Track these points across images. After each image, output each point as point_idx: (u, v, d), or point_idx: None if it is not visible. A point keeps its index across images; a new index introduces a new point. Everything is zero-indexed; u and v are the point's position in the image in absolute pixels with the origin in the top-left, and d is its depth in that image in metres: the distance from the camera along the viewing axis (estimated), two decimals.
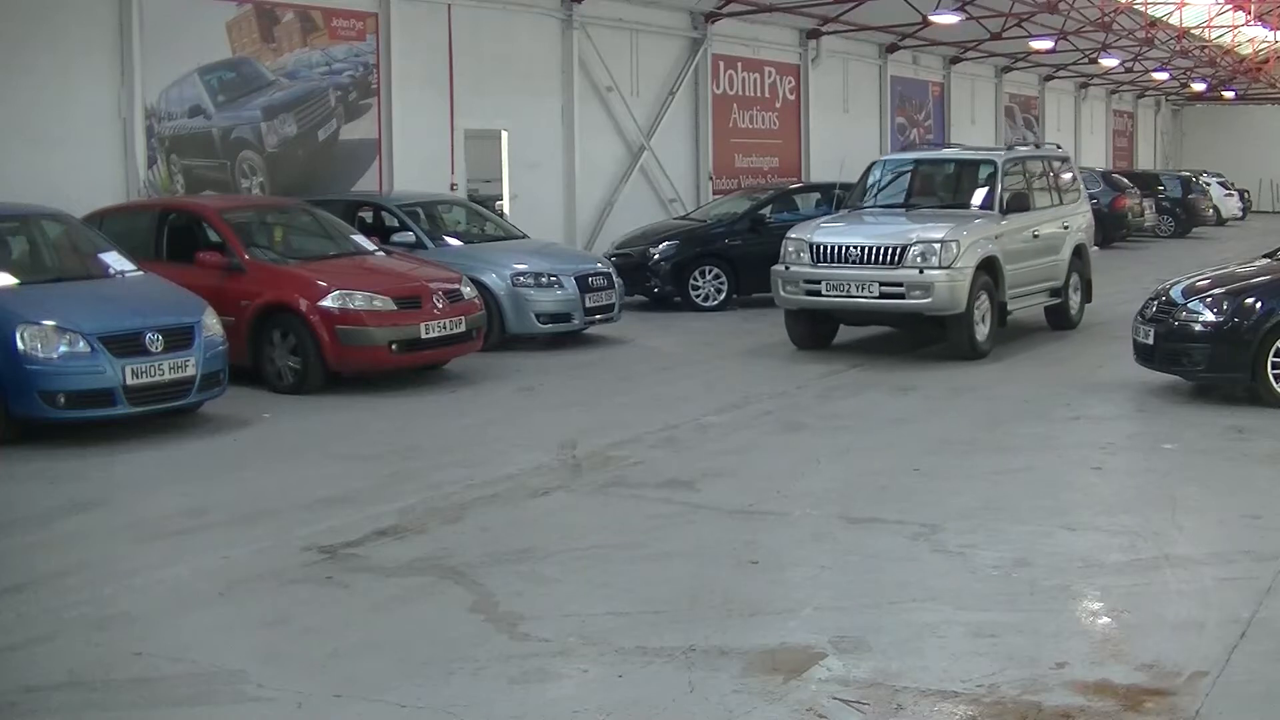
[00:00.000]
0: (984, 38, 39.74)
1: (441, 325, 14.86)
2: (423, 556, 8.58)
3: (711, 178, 31.01)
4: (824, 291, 16.62)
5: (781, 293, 17.13)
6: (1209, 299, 13.30)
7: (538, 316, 17.67)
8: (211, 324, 12.81)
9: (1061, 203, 19.69)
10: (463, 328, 15.13)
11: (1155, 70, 52.88)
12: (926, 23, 34.07)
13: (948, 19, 33.57)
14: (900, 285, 16.12)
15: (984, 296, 16.59)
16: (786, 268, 17.02)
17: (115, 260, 13.71)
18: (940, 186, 19.33)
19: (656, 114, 29.69)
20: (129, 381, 11.90)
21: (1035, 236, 18.21)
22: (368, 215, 19.49)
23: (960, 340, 16.50)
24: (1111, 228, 36.95)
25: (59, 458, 11.44)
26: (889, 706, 6.17)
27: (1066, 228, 19.42)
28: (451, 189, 23.66)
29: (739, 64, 32.81)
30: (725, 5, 30.78)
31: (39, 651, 7.14)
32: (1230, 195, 51.81)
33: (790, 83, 35.14)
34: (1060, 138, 48.84)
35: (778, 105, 34.49)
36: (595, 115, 27.93)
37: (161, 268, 14.27)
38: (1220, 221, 48.30)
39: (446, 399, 14.47)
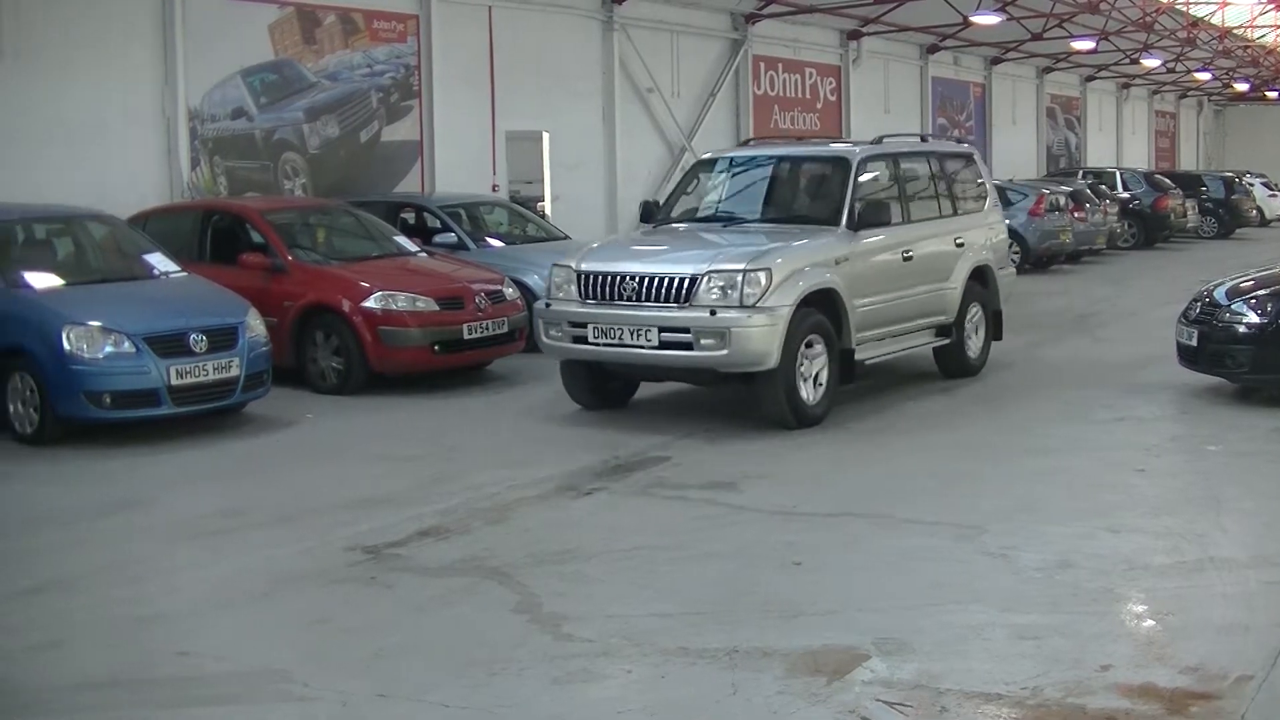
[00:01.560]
0: (1025, 38, 39.71)
1: (484, 326, 14.91)
2: (465, 557, 8.61)
3: None
4: (591, 338, 12.57)
5: (544, 337, 13.03)
6: (1253, 300, 13.23)
7: None
8: (255, 325, 12.86)
9: (956, 212, 15.54)
10: (505, 328, 15.16)
11: (1197, 70, 52.68)
12: (967, 23, 34.04)
13: (989, 19, 33.52)
14: (686, 331, 12.07)
15: (816, 344, 12.59)
16: (548, 305, 13.09)
17: (159, 261, 13.78)
18: (778, 194, 14.82)
19: (697, 115, 29.71)
20: (173, 382, 11.96)
21: (908, 258, 14.16)
22: (410, 216, 19.54)
23: (774, 404, 12.33)
24: (1154, 229, 36.86)
25: (103, 457, 11.51)
26: (933, 709, 6.15)
27: (961, 245, 15.21)
28: (493, 190, 23.72)
29: (779, 65, 32.82)
30: (765, 6, 30.78)
31: (81, 649, 7.21)
32: (1274, 196, 51.38)
33: (831, 84, 35.14)
34: (1102, 139, 48.85)
35: (818, 106, 34.49)
36: (636, 116, 27.98)
37: (205, 269, 14.37)
38: (1264, 222, 47.89)
39: (489, 399, 14.50)
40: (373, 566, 8.45)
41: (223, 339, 12.44)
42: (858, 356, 13.19)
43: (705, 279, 12.11)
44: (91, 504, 10.21)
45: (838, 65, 35.46)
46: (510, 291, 15.62)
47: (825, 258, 12.90)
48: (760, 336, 11.94)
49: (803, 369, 12.41)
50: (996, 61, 43.96)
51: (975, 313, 15.43)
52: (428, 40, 23.16)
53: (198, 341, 12.20)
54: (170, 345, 12.08)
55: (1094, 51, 41.83)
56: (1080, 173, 40.00)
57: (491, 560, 8.50)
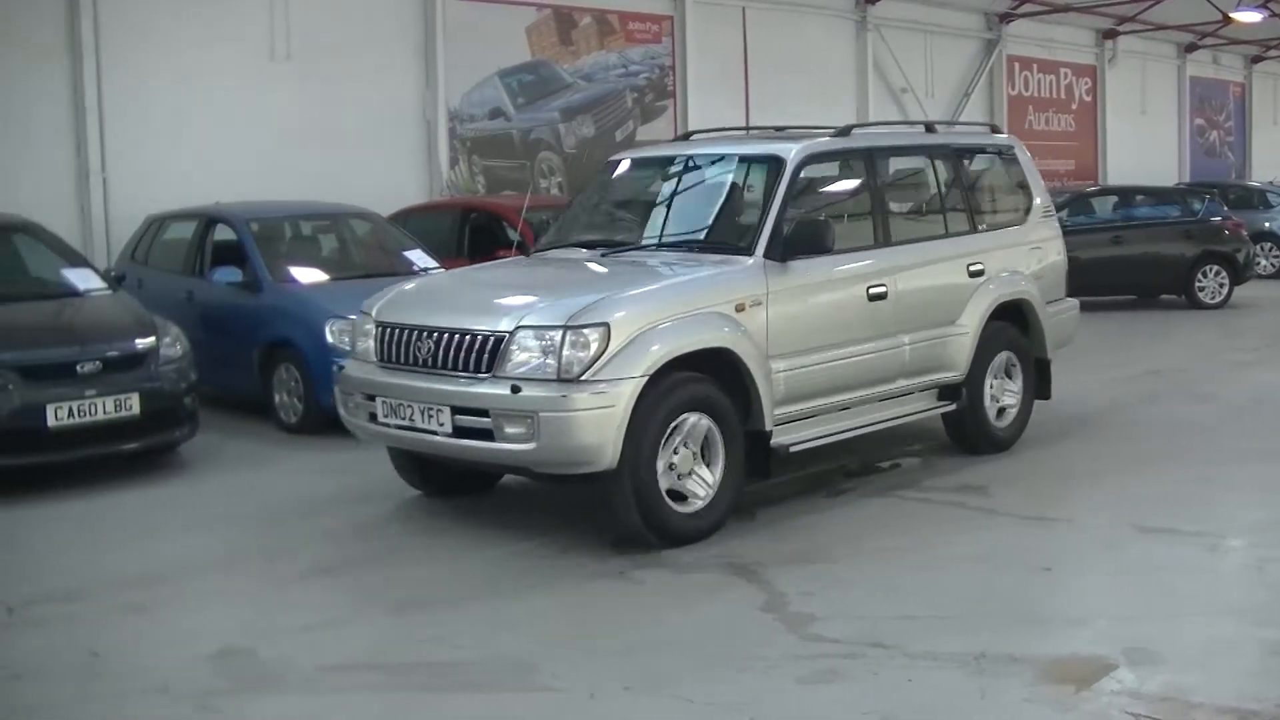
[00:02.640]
0: None
1: None
2: (715, 555, 8.68)
3: None
4: (381, 416, 9.35)
5: (342, 409, 9.92)
6: None
7: None
8: None
9: (974, 228, 11.62)
10: None
11: None
12: (1227, 21, 33.20)
13: (1250, 17, 32.65)
14: (484, 414, 8.68)
15: (702, 425, 8.99)
16: (340, 367, 10.10)
17: (419, 258, 14.12)
18: (686, 209, 10.85)
19: (951, 116, 29.48)
20: None
21: (878, 295, 10.37)
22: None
23: (622, 515, 8.82)
24: None
25: (364, 447, 11.82)
26: None
27: (979, 273, 11.33)
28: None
29: (1034, 65, 32.43)
30: (1020, 5, 30.43)
31: (341, 632, 7.45)
32: None
33: (1086, 84, 34.61)
34: None
35: (1073, 107, 34.01)
36: (890, 117, 27.82)
37: (463, 265, 14.64)
38: None
39: None
40: (624, 562, 8.59)
41: None
42: (779, 441, 9.55)
43: (514, 339, 8.66)
44: (346, 492, 10.59)
45: (1093, 65, 34.89)
46: None
47: (717, 302, 9.24)
48: (586, 424, 8.41)
49: (676, 462, 8.92)
50: (1257, 60, 42.72)
51: (1004, 364, 11.65)
52: (682, 41, 23.37)
53: None
54: None
55: None
56: None
57: (741, 558, 8.56)
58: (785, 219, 9.84)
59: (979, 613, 7.50)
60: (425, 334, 9.09)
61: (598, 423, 8.42)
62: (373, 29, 19.42)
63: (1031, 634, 7.14)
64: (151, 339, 11.41)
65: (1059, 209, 23.10)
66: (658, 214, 11.09)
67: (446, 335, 8.96)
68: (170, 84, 17.80)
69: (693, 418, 8.90)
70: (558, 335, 8.53)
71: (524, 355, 8.61)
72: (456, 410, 8.75)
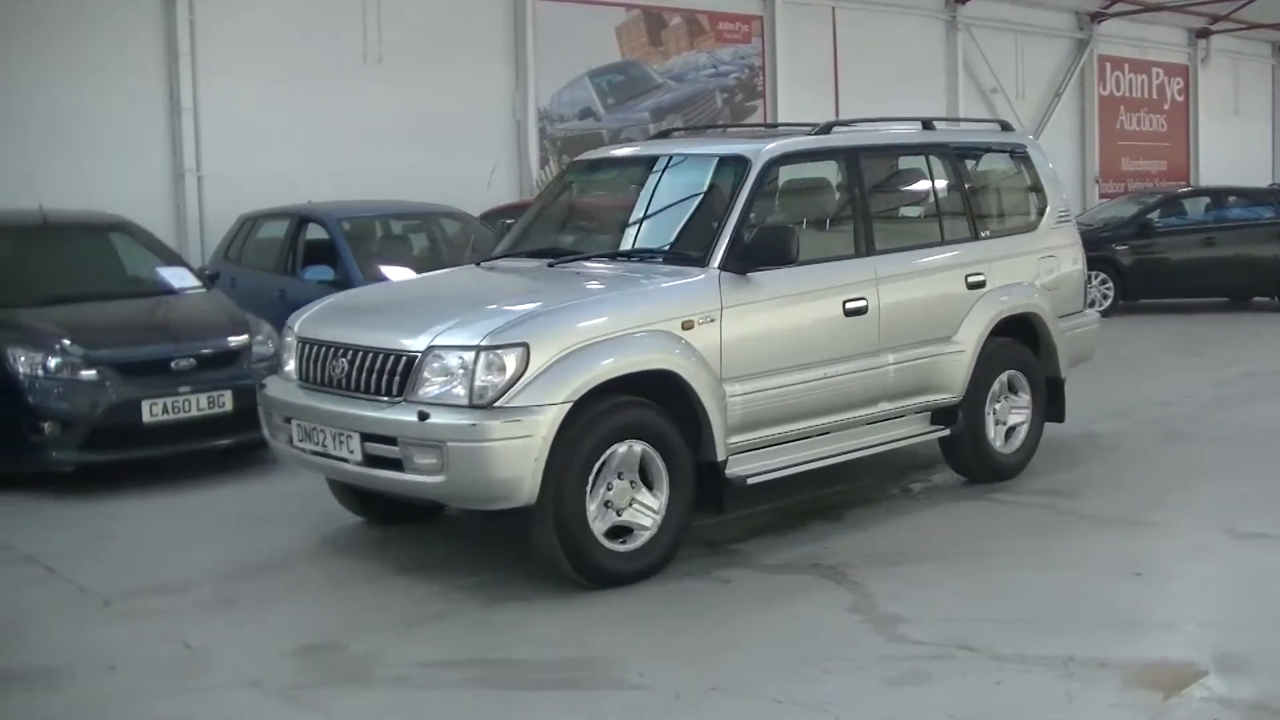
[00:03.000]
0: None
1: None
2: (802, 555, 8.69)
3: (1098, 181, 30.46)
4: (296, 440, 8.65)
5: (265, 429, 9.20)
6: None
7: None
8: None
9: (976, 235, 10.60)
10: None
11: None
12: None
13: None
14: (393, 442, 7.90)
15: (636, 453, 8.13)
16: (263, 386, 9.30)
17: None
18: (644, 215, 9.91)
19: (1042, 116, 29.33)
20: None
21: (856, 311, 9.41)
22: None
23: (546, 555, 8.04)
24: None
25: None
26: None
27: (979, 284, 10.37)
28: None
29: (1125, 65, 32.19)
30: (1111, 5, 30.21)
31: (432, 629, 7.51)
32: None
33: (1179, 84, 34.30)
34: None
35: (1165, 108, 33.70)
36: (980, 117, 27.71)
37: None
38: None
39: None
40: (711, 561, 8.61)
41: None
42: (735, 472, 8.68)
43: (426, 359, 7.89)
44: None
45: (1185, 65, 34.58)
46: None
47: (659, 319, 8.33)
48: (499, 456, 7.62)
49: (610, 497, 8.07)
50: None
51: (1005, 385, 10.64)
52: (772, 41, 23.39)
53: None
54: None
55: None
56: None
57: (828, 559, 8.57)
58: (748, 227, 8.96)
59: (1068, 616, 7.45)
60: (340, 352, 8.38)
61: (512, 454, 7.63)
62: (463, 31, 19.57)
63: (1120, 639, 7.10)
64: (244, 337, 11.56)
65: (1150, 210, 23.08)
66: (614, 221, 10.38)
67: (359, 354, 8.24)
68: (264, 86, 18.01)
69: (622, 448, 8.05)
70: (470, 356, 7.74)
71: (436, 378, 7.84)
72: (366, 437, 8.02)
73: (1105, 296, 22.28)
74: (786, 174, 9.76)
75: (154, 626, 7.65)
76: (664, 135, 11.54)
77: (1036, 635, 7.11)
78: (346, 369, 8.26)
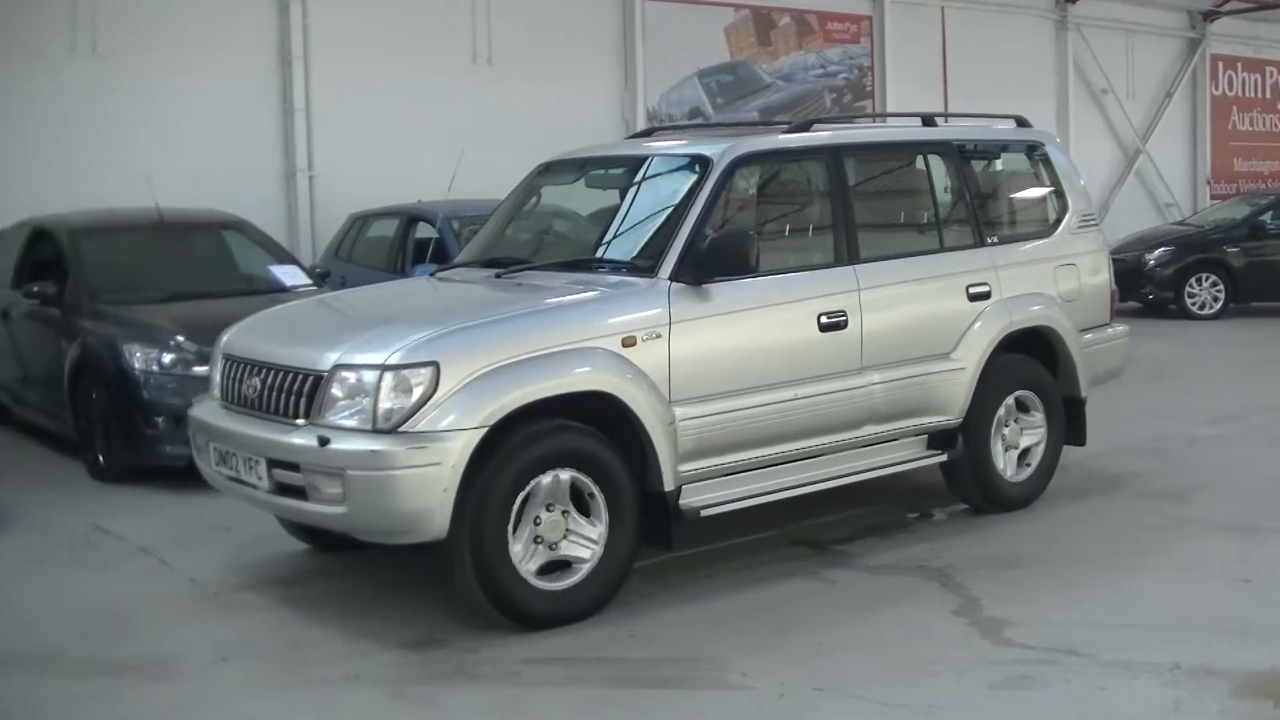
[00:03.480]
0: None
1: None
2: (908, 556, 8.68)
3: (1209, 182, 30.10)
4: (213, 463, 8.07)
5: (194, 450, 8.54)
6: None
7: None
8: None
9: (982, 241, 9.67)
10: None
11: None
12: None
13: None
14: (297, 469, 7.31)
15: (565, 482, 7.38)
16: (190, 405, 8.76)
17: None
18: (607, 220, 9.19)
19: (1153, 117, 29.02)
20: None
21: (833, 325, 8.55)
22: None
23: (466, 596, 7.40)
24: None
25: None
26: None
27: (983, 295, 9.45)
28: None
29: (1239, 64, 31.74)
30: (1224, 4, 29.82)
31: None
32: None
33: None
34: None
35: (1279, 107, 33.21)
36: (1090, 118, 27.54)
37: None
38: None
39: None
40: (817, 561, 8.63)
41: None
42: (689, 502, 7.92)
43: (333, 379, 7.24)
44: None
45: None
46: None
47: (595, 335, 7.59)
48: (403, 486, 6.97)
49: (541, 532, 7.37)
50: None
51: (1011, 406, 9.72)
52: (881, 41, 23.33)
53: None
54: None
55: None
56: None
57: (934, 561, 8.56)
58: (705, 233, 8.11)
59: (1175, 623, 7.40)
60: (254, 369, 7.79)
61: (418, 484, 6.96)
62: (572, 31, 19.67)
63: (1229, 646, 7.02)
64: None
65: (1263, 211, 22.78)
66: (571, 226, 10.15)
67: (270, 372, 7.64)
68: (374, 87, 18.19)
69: (547, 479, 7.31)
70: (374, 376, 7.08)
71: (341, 399, 7.18)
72: (272, 463, 7.42)
73: (1216, 299, 22.05)
74: (757, 175, 9.03)
75: (262, 619, 7.80)
76: (646, 133, 10.52)
77: (1143, 641, 7.06)
78: (259, 388, 7.68)
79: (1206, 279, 22.10)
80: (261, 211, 15.57)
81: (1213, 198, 29.19)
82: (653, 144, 9.69)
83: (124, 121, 16.40)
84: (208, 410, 8.21)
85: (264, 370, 7.67)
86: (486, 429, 7.04)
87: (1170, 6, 29.31)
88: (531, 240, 9.91)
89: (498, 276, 8.62)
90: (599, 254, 8.58)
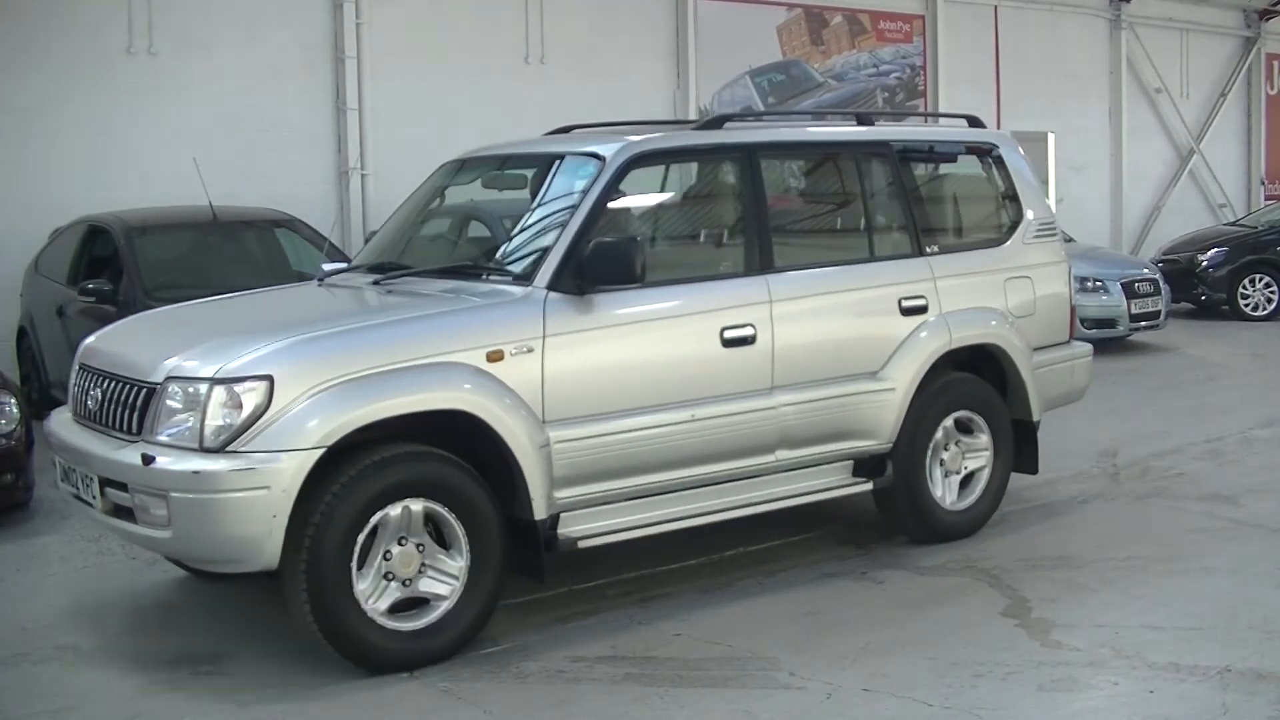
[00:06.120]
0: None
1: None
2: (957, 557, 8.67)
3: (1264, 183, 29.88)
4: (60, 479, 7.54)
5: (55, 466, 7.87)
6: None
7: (1082, 322, 17.39)
8: None
9: (920, 250, 8.88)
10: None
11: None
12: None
13: None
14: (125, 488, 6.73)
15: (419, 512, 6.79)
16: (46, 416, 8.14)
17: None
18: (495, 223, 9.48)
19: (1207, 116, 28.83)
20: None
21: (739, 341, 7.87)
22: None
23: (302, 631, 6.79)
24: None
25: None
26: None
27: (918, 309, 8.70)
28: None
29: None
30: (1279, 2, 29.61)
31: (585, 625, 7.60)
32: None
33: None
34: None
35: None
36: (1143, 117, 27.37)
37: None
38: None
39: None
40: (864, 562, 8.63)
41: None
42: (567, 532, 7.39)
43: (165, 392, 6.68)
44: None
45: None
46: None
47: (456, 348, 6.96)
48: (227, 510, 6.41)
49: (392, 568, 6.79)
50: None
51: (949, 428, 8.97)
52: (934, 40, 23.27)
53: None
54: None
55: None
56: None
57: (984, 562, 8.55)
58: (591, 239, 7.40)
59: (1225, 626, 7.36)
60: (98, 379, 7.24)
61: (244, 509, 6.38)
62: (624, 30, 19.72)
63: None
64: None
65: None
66: (458, 230, 9.57)
67: (111, 382, 7.10)
68: (427, 86, 18.27)
69: (395, 510, 6.73)
70: (204, 389, 6.51)
71: (172, 414, 6.62)
72: (104, 481, 6.88)
73: (1269, 300, 21.91)
74: (658, 176, 8.53)
75: None
76: (563, 131, 9.52)
77: (1193, 644, 7.04)
78: (100, 399, 7.15)
79: (1260, 280, 21.96)
80: (314, 209, 15.71)
81: (1267, 198, 28.97)
82: (554, 142, 8.97)
83: (178, 121, 16.51)
84: (60, 422, 7.65)
85: (105, 380, 7.17)
86: (323, 449, 6.48)
87: (1225, 5, 29.11)
88: (424, 243, 9.27)
89: (375, 283, 8.05)
90: (481, 260, 8.29)
